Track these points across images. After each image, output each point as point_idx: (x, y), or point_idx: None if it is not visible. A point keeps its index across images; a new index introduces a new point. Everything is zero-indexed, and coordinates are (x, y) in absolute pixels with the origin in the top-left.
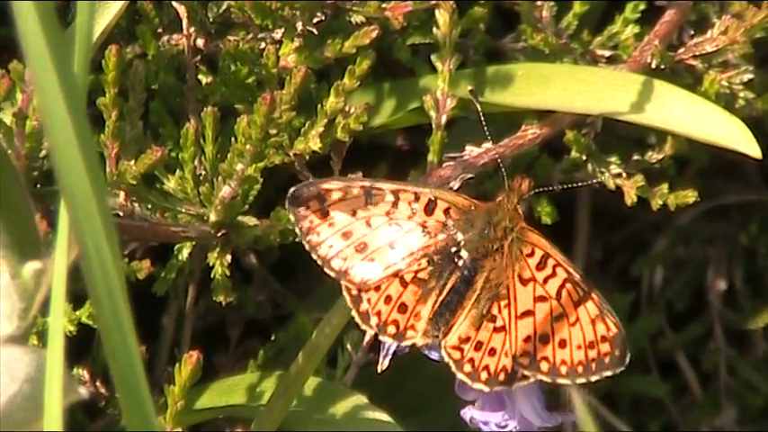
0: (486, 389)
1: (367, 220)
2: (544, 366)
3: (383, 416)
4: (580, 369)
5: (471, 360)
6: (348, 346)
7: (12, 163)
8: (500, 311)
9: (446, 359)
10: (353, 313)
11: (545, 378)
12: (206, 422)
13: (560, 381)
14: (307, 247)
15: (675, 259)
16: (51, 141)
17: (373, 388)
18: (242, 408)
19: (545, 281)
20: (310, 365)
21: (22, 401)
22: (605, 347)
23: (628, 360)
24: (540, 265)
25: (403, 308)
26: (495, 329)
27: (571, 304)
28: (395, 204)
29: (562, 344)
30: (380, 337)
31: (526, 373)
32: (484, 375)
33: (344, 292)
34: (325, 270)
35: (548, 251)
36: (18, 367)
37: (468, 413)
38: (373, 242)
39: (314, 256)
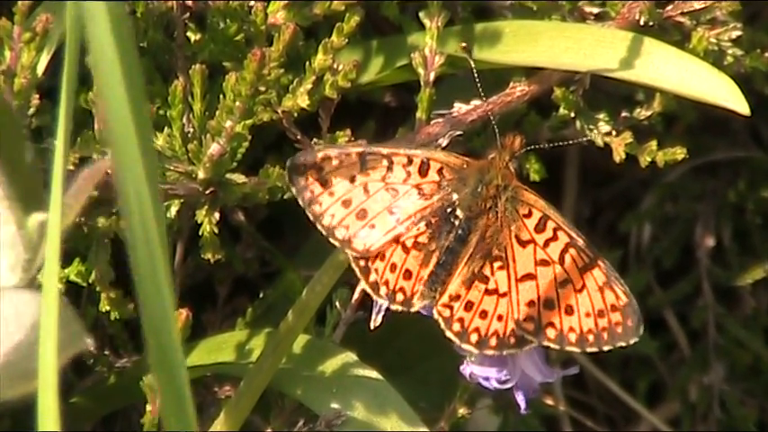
0: (476, 351)
1: (364, 186)
2: (551, 333)
3: (372, 373)
4: (591, 338)
5: (461, 320)
6: (337, 304)
7: (14, 117)
8: (493, 273)
9: (436, 317)
10: (364, 284)
11: (553, 345)
12: (194, 380)
13: (569, 348)
14: (311, 218)
15: (664, 216)
16: (99, 83)
17: (362, 345)
18: (230, 365)
19: (546, 244)
20: (300, 323)
21: (27, 351)
22: (616, 317)
23: (641, 331)
24: (539, 227)
25: (408, 274)
26: (488, 291)
27: (576, 270)
28: (390, 168)
29: (569, 310)
30: (392, 306)
31: (531, 338)
32: (474, 337)
33: (353, 264)
34: (331, 240)
35: (546, 212)
36: (26, 312)
37: (467, 369)
38: (372, 208)
39: (319, 227)
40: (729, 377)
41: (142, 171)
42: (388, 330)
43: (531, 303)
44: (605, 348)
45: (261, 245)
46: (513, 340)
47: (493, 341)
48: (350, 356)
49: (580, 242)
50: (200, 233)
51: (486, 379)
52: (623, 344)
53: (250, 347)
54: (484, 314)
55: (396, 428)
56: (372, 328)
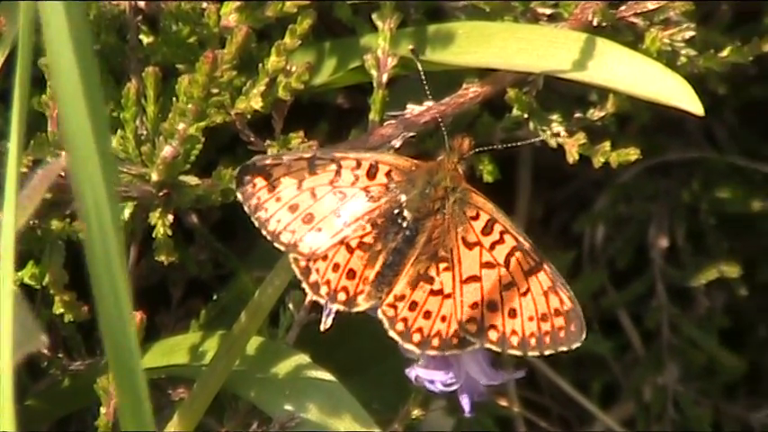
0: (418, 351)
1: (312, 190)
2: (493, 335)
3: (325, 374)
4: (533, 341)
5: (404, 319)
6: (290, 306)
7: None
8: (438, 274)
9: (380, 316)
10: (304, 285)
11: (494, 347)
12: (148, 382)
13: (511, 351)
14: (256, 224)
15: (617, 216)
16: (55, 85)
17: (315, 347)
18: (184, 368)
19: (492, 246)
20: (253, 325)
21: None
22: (559, 321)
23: (584, 336)
24: (486, 230)
25: (351, 274)
26: (432, 292)
27: (521, 274)
28: (338, 173)
29: (512, 313)
30: (331, 305)
31: (473, 340)
32: (416, 337)
33: (293, 265)
34: (276, 245)
35: (494, 215)
36: None
37: (412, 371)
38: (319, 212)
39: (264, 233)
40: (684, 377)
41: (99, 173)
42: (342, 332)
43: (474, 305)
44: (547, 352)
45: (214, 247)
46: (455, 341)
47: (435, 341)
48: (303, 358)
49: (526, 246)
50: (153, 235)
51: (432, 382)
52: (565, 348)
53: (204, 349)
54: (428, 314)
55: (349, 430)
56: (322, 330)
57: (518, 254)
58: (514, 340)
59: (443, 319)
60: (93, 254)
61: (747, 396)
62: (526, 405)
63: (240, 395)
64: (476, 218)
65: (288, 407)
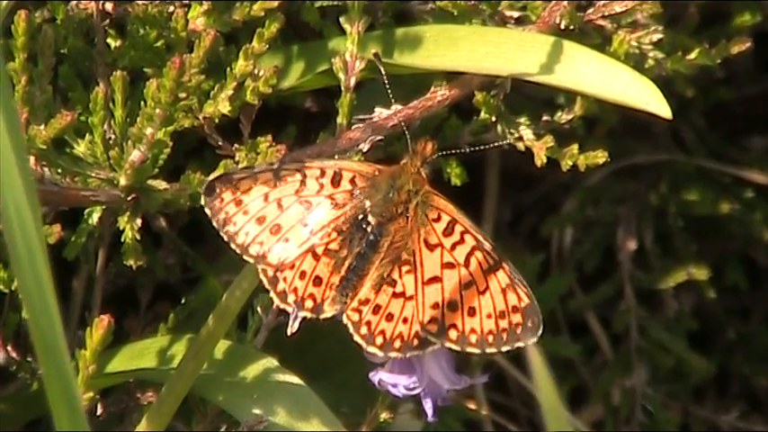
0: (381, 354)
1: (278, 201)
2: (453, 334)
3: (293, 378)
4: (491, 338)
5: (368, 323)
6: (258, 309)
7: None
8: (401, 276)
9: (345, 321)
10: (272, 294)
11: (454, 346)
12: (116, 386)
13: (470, 349)
14: (225, 238)
15: (585, 219)
16: None
17: (283, 350)
18: (152, 371)
19: (452, 247)
20: (221, 328)
21: None
22: (517, 318)
23: (540, 332)
24: (447, 231)
25: (318, 281)
26: (395, 295)
27: (480, 272)
28: (303, 182)
29: (471, 312)
30: (300, 313)
31: (434, 340)
32: (379, 340)
33: (261, 275)
34: (245, 258)
35: (454, 217)
36: None
37: (376, 376)
38: (286, 222)
39: (233, 247)
40: (652, 380)
41: (22, 190)
42: (310, 335)
43: (435, 306)
44: (504, 349)
45: (182, 250)
46: (416, 342)
47: (397, 343)
48: (271, 362)
49: (486, 245)
50: (122, 239)
51: (394, 386)
52: (522, 344)
53: (172, 353)
54: (390, 317)
55: None
56: (289, 334)
57: (478, 253)
58: (473, 338)
59: (405, 320)
60: (19, 266)
61: (716, 398)
62: (494, 408)
63: (208, 399)
64: (437, 220)
65: (256, 410)
